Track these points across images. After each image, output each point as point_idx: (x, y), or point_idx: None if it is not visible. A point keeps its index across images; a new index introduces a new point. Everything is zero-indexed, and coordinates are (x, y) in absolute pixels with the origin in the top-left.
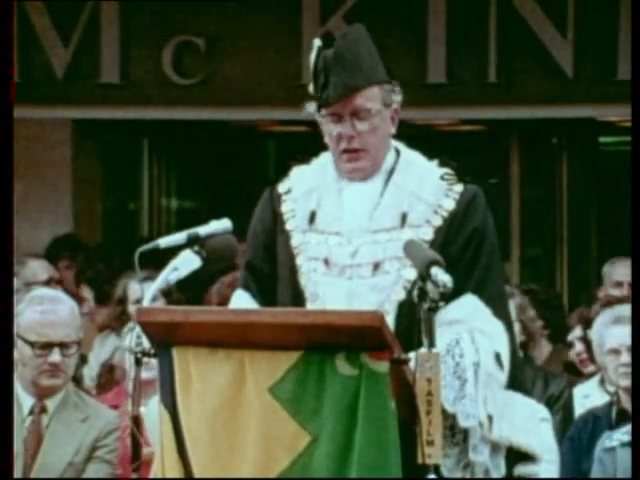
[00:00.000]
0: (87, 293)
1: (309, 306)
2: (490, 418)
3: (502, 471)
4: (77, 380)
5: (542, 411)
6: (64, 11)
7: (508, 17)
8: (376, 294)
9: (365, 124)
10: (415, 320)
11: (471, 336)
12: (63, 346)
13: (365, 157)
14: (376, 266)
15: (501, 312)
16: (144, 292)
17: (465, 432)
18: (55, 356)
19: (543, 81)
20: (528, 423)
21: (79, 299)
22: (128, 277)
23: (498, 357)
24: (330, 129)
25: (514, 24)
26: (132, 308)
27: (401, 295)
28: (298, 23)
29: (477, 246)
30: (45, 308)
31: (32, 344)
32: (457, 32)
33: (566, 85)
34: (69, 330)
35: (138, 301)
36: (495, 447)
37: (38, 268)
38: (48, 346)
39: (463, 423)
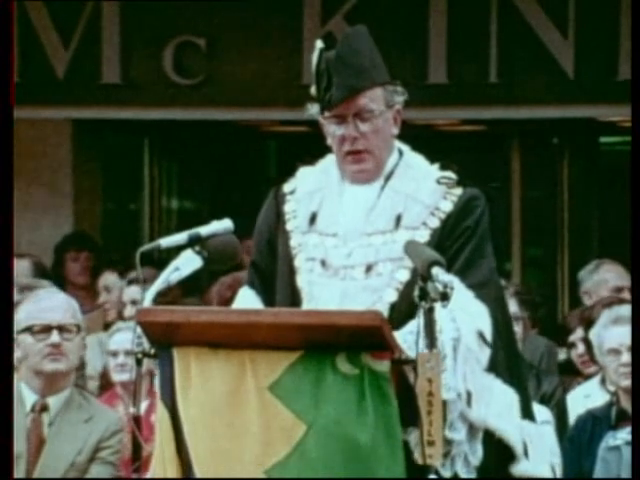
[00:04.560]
0: (110, 281)
1: (305, 306)
2: (469, 394)
3: (479, 455)
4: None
5: (544, 413)
6: (65, 11)
7: (509, 17)
8: (368, 295)
9: (368, 125)
10: (407, 321)
11: (451, 315)
12: (62, 329)
13: (369, 158)
14: (369, 268)
15: (485, 299)
16: (145, 292)
17: (444, 408)
18: (54, 337)
19: (544, 81)
20: (504, 411)
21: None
22: (129, 277)
23: (481, 335)
24: (333, 130)
25: (515, 24)
26: (133, 309)
27: (393, 297)
28: (299, 23)
29: (465, 241)
30: (40, 297)
31: (31, 329)
32: (458, 32)
33: (567, 85)
34: (66, 314)
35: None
36: (472, 429)
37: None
38: (47, 329)
39: (444, 395)
